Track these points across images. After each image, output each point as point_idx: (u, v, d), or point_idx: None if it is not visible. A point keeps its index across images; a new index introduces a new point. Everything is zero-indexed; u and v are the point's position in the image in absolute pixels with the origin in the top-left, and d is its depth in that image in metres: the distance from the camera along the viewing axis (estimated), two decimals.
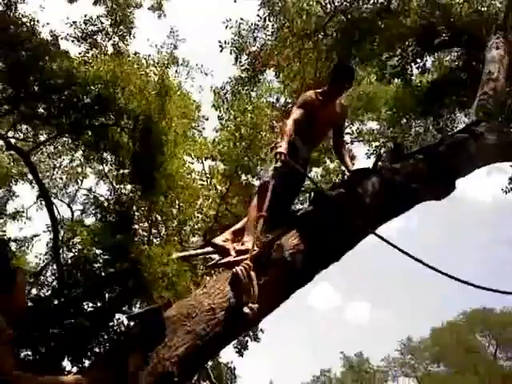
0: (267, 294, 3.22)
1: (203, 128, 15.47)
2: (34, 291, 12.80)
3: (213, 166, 15.30)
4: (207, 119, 15.55)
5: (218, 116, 14.61)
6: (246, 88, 12.72)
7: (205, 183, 14.98)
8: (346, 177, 4.57)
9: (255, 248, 3.35)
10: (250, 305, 2.99)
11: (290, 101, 13.75)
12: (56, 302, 10.54)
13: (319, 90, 4.38)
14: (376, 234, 3.52)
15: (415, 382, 42.49)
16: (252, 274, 3.11)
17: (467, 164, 4.55)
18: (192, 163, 14.72)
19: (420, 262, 3.37)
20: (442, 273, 3.37)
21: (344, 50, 9.90)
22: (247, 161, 13.88)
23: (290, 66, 11.93)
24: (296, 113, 4.30)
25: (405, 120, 12.37)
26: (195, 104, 14.72)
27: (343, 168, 13.77)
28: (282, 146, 3.86)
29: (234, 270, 3.13)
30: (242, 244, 3.55)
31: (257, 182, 14.26)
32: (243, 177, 14.48)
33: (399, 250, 3.38)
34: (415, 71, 10.23)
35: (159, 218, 14.19)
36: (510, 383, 33.42)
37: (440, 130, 11.55)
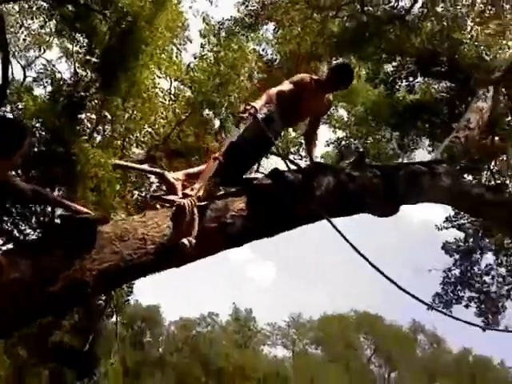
0: (200, 243, 3.37)
1: (184, 49, 15.01)
2: None
3: (180, 89, 15.02)
4: (191, 42, 15.08)
5: (201, 43, 14.34)
6: (243, 32, 12.44)
7: (166, 103, 14.70)
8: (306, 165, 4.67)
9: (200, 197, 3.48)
10: (189, 238, 3.13)
11: (276, 59, 13.59)
12: None
13: (315, 77, 4.45)
14: (328, 220, 3.61)
15: (290, 355, 44.68)
16: (195, 210, 3.23)
17: (417, 196, 4.78)
18: (159, 78, 14.40)
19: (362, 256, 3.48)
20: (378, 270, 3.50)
21: (348, 41, 9.90)
22: (216, 97, 13.71)
23: (291, 29, 11.78)
24: (285, 86, 4.36)
25: (374, 124, 12.63)
26: (184, 22, 14.28)
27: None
28: (257, 104, 3.96)
29: (180, 202, 3.23)
30: (192, 190, 3.56)
31: (217, 122, 14.25)
32: (206, 112, 14.35)
33: (345, 239, 3.50)
34: (403, 87, 10.43)
35: (109, 117, 13.86)
36: None
37: (401, 147, 11.90)
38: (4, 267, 2.64)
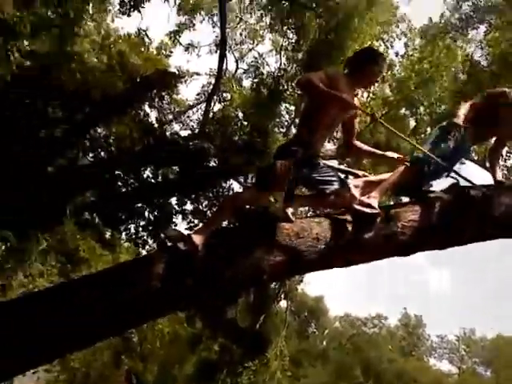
0: (369, 247, 3.62)
1: (391, 46, 14.77)
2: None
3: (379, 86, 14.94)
4: (400, 39, 14.79)
5: (405, 43, 14.10)
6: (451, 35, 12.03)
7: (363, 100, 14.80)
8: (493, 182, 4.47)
9: (377, 208, 3.67)
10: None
11: (482, 62, 12.78)
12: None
13: None
14: None
15: (456, 371, 42.22)
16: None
17: None
18: None
19: None
20: None
21: None
22: (415, 96, 13.33)
23: (503, 31, 11.05)
24: (481, 102, 4.27)
25: None
26: (396, 18, 14.13)
27: None
28: (460, 116, 3.96)
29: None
30: (368, 197, 3.71)
31: (412, 123, 13.95)
32: (402, 110, 14.15)
33: None
34: None
35: None
36: None
37: None
38: (198, 246, 3.16)
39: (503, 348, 40.70)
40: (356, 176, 4.12)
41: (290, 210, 3.67)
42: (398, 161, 3.97)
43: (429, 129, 14.02)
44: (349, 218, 3.63)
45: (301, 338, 36.46)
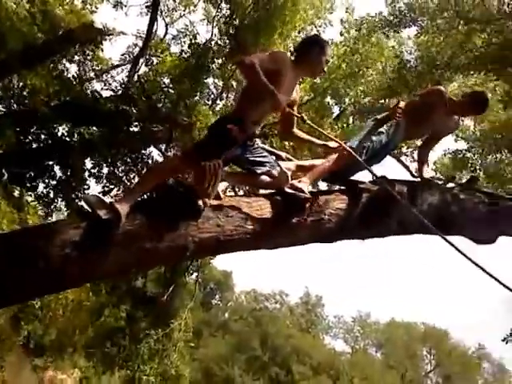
0: (294, 232, 3.59)
1: (323, 32, 14.81)
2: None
3: None
4: (332, 25, 14.88)
5: (341, 31, 14.22)
6: (384, 30, 12.34)
7: None
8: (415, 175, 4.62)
9: (307, 193, 3.64)
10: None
11: (410, 61, 13.23)
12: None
13: (450, 96, 4.37)
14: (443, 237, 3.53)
15: (349, 351, 44.49)
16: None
17: None
18: None
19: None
20: None
21: (490, 57, 9.52)
22: (341, 86, 13.54)
23: (434, 36, 11.50)
24: (421, 96, 4.36)
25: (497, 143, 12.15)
26: (332, 5, 14.16)
27: None
28: (396, 112, 4.03)
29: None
30: (299, 182, 3.69)
31: (336, 111, 14.18)
32: (328, 98, 14.32)
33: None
34: None
35: (234, 85, 14.21)
36: None
37: None
38: (122, 216, 2.96)
39: (394, 331, 43.41)
40: (279, 157, 4.06)
41: (219, 188, 3.55)
42: (336, 149, 3.92)
43: (351, 118, 14.41)
44: (279, 199, 3.57)
45: (204, 309, 36.91)
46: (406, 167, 12.77)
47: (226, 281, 41.43)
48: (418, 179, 4.58)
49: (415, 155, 12.66)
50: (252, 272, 65.41)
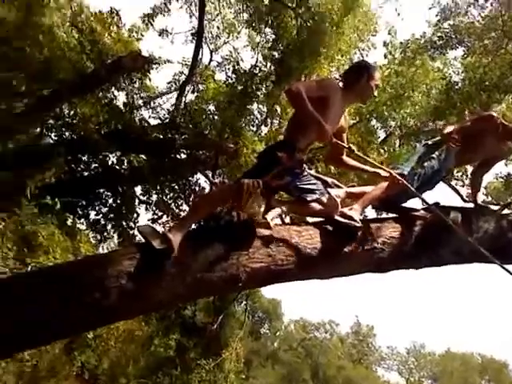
0: (342, 261, 3.51)
1: (366, 55, 14.81)
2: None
3: None
4: (375, 48, 14.88)
5: (385, 54, 14.16)
6: (430, 52, 12.20)
7: None
8: (466, 200, 4.50)
9: (358, 220, 3.59)
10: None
11: (458, 83, 13.05)
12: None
13: (502, 120, 4.25)
14: (501, 265, 3.47)
15: (403, 382, 43.06)
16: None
17: None
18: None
19: None
20: None
21: None
22: (386, 109, 13.43)
23: (481, 57, 11.29)
24: (472, 121, 4.26)
25: None
26: (375, 28, 14.12)
27: None
28: (448, 137, 3.95)
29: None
30: (350, 209, 3.63)
31: (382, 135, 14.03)
32: (373, 122, 14.22)
33: None
34: None
35: (279, 111, 14.27)
36: None
37: None
38: (174, 245, 2.98)
39: (450, 363, 41.84)
40: (326, 184, 4.03)
41: (269, 216, 3.55)
42: (388, 178, 3.84)
43: (397, 142, 14.20)
44: (330, 228, 3.53)
45: (253, 338, 36.53)
46: (458, 193, 12.46)
47: (275, 310, 40.88)
48: (472, 205, 4.46)
49: (466, 180, 12.39)
50: (301, 300, 64.51)
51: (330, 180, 4.20)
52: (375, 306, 64.32)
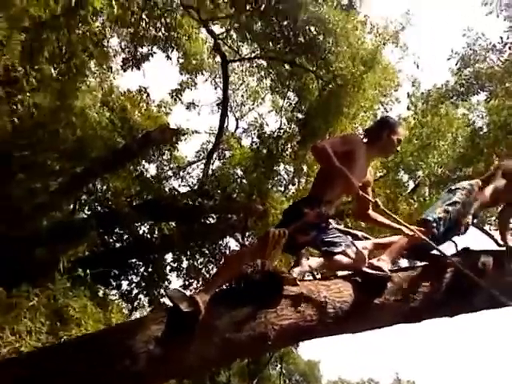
0: (373, 313, 3.44)
1: (390, 109, 14.94)
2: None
3: None
4: (399, 102, 15.01)
5: (408, 106, 14.27)
6: (452, 100, 12.28)
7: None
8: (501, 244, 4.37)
9: (387, 271, 3.53)
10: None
11: (482, 128, 12.99)
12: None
13: None
14: None
15: None
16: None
17: None
18: None
19: None
20: None
21: None
22: (413, 160, 13.40)
23: (504, 99, 11.28)
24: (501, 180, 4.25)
25: None
26: (397, 83, 14.31)
27: None
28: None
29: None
30: (378, 260, 3.61)
31: (411, 185, 13.93)
32: (401, 174, 14.17)
33: None
34: None
35: (305, 170, 14.37)
36: None
37: None
38: (201, 307, 2.98)
39: None
40: (355, 237, 4.00)
41: (295, 272, 3.53)
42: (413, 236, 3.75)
43: (427, 191, 14.06)
44: (359, 280, 3.48)
45: None
46: (491, 236, 12.13)
47: (312, 371, 39.49)
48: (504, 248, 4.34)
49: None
50: (338, 359, 62.44)
51: (360, 234, 4.19)
52: (415, 359, 61.40)
